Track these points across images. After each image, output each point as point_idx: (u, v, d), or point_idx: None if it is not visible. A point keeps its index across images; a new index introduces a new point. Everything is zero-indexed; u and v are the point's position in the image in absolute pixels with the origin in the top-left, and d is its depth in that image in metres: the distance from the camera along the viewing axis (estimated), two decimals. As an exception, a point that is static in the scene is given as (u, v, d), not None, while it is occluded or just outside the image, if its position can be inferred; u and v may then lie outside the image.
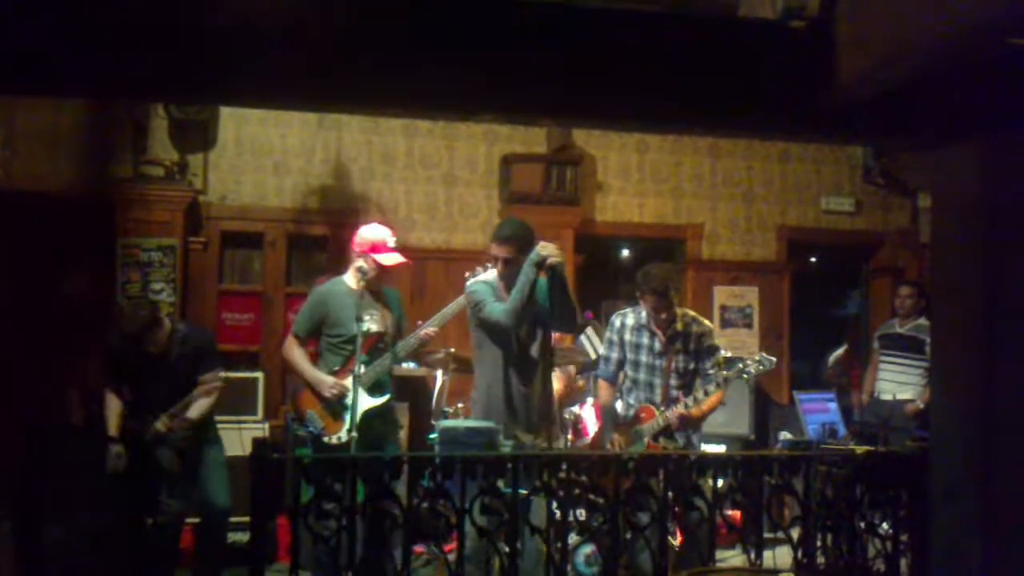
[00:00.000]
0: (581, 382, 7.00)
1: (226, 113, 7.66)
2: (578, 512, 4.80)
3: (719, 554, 4.25)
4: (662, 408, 5.22)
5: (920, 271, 8.67)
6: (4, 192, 7.08)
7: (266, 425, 6.80)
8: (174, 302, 7.19)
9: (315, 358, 5.37)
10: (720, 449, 6.68)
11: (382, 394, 5.26)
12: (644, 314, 5.36)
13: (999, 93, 3.47)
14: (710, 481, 4.09)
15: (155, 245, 7.24)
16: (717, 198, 8.78)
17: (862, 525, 4.20)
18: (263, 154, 7.83)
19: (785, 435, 7.20)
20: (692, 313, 5.47)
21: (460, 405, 6.65)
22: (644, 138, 8.54)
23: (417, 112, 5.32)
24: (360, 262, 5.24)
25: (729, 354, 7.86)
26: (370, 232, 5.35)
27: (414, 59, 3.39)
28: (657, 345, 5.32)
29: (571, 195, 8.11)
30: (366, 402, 5.10)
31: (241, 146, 7.79)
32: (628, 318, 5.42)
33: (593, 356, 6.72)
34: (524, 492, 3.92)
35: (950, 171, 3.88)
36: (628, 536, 4.12)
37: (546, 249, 4.87)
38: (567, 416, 6.39)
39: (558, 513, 4.04)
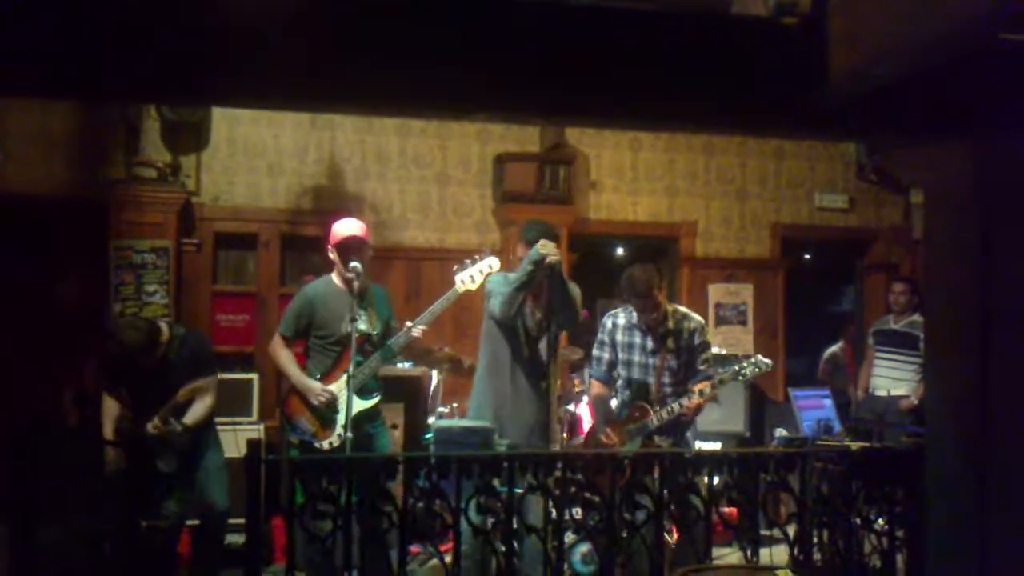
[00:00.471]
0: (577, 381, 7.00)
1: (219, 114, 7.65)
2: (574, 511, 4.80)
3: (715, 551, 4.25)
4: (656, 407, 5.21)
5: (914, 267, 8.69)
6: (-3, 194, 7.06)
7: (261, 426, 6.79)
8: (168, 304, 7.18)
9: (302, 359, 5.33)
10: (716, 446, 6.69)
11: (371, 395, 5.23)
12: (635, 314, 5.36)
13: (992, 89, 3.47)
14: (706, 479, 4.09)
15: (148, 247, 7.23)
16: (711, 196, 8.79)
17: (858, 521, 4.21)
18: (256, 155, 7.82)
19: (781, 432, 7.21)
20: (683, 309, 5.47)
21: (455, 405, 6.65)
22: (637, 136, 8.55)
23: (413, 112, 5.32)
24: (331, 255, 5.22)
25: (724, 352, 7.89)
26: (339, 227, 5.29)
27: (409, 59, 3.38)
28: (649, 344, 5.32)
29: (564, 194, 8.12)
30: (356, 404, 5.06)
31: (234, 147, 7.78)
32: (619, 318, 5.42)
33: None
34: (520, 491, 3.92)
35: (943, 167, 3.88)
36: (624, 534, 4.12)
37: (545, 248, 4.88)
38: (562, 414, 6.40)
39: (554, 512, 4.04)
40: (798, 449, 4.53)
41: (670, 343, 5.28)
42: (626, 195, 8.62)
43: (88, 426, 5.80)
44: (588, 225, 8.48)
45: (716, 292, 8.74)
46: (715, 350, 5.51)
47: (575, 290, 5.23)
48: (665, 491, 4.02)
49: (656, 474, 4.03)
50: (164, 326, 5.34)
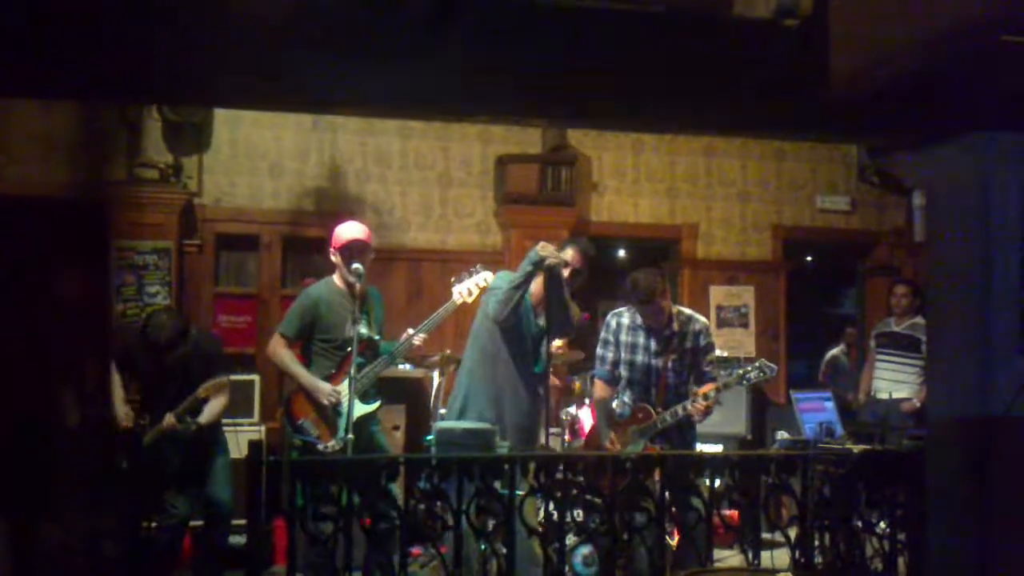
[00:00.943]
0: (577, 383, 7.00)
1: (220, 115, 7.65)
2: (575, 513, 4.80)
3: (716, 554, 4.24)
4: (659, 409, 5.20)
5: (916, 270, 8.67)
6: (-2, 195, 7.07)
7: (262, 428, 6.78)
8: (170, 305, 7.18)
9: (301, 361, 5.32)
10: (717, 449, 6.68)
11: (373, 399, 5.22)
12: (639, 315, 5.35)
13: (992, 90, 3.47)
14: (707, 481, 4.08)
15: (150, 248, 7.23)
16: (712, 197, 8.79)
17: (859, 524, 4.20)
18: (258, 156, 7.82)
19: (782, 434, 7.18)
20: (687, 311, 5.45)
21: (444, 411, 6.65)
22: (639, 138, 8.54)
23: (414, 114, 5.32)
24: (333, 257, 5.22)
25: (725, 354, 7.88)
26: (343, 230, 5.28)
27: (412, 61, 3.39)
28: (653, 345, 5.31)
29: (566, 195, 8.12)
30: (359, 408, 5.05)
31: (235, 148, 7.77)
32: (624, 317, 5.40)
33: None
34: (521, 493, 3.92)
35: (944, 169, 3.88)
36: (625, 537, 4.11)
37: (545, 250, 4.87)
38: (564, 416, 6.39)
39: (556, 514, 4.03)
40: (800, 452, 4.52)
41: (675, 345, 5.27)
42: (627, 197, 8.62)
43: (89, 425, 5.80)
44: (589, 227, 8.47)
45: (717, 294, 8.73)
46: (717, 352, 5.49)
47: (573, 308, 5.23)
48: (666, 493, 4.01)
49: (657, 476, 4.03)
50: (190, 328, 5.38)
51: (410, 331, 5.26)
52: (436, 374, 6.58)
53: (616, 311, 5.48)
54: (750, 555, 4.11)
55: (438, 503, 3.84)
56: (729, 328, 8.68)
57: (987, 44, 3.10)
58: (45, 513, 5.44)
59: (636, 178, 8.63)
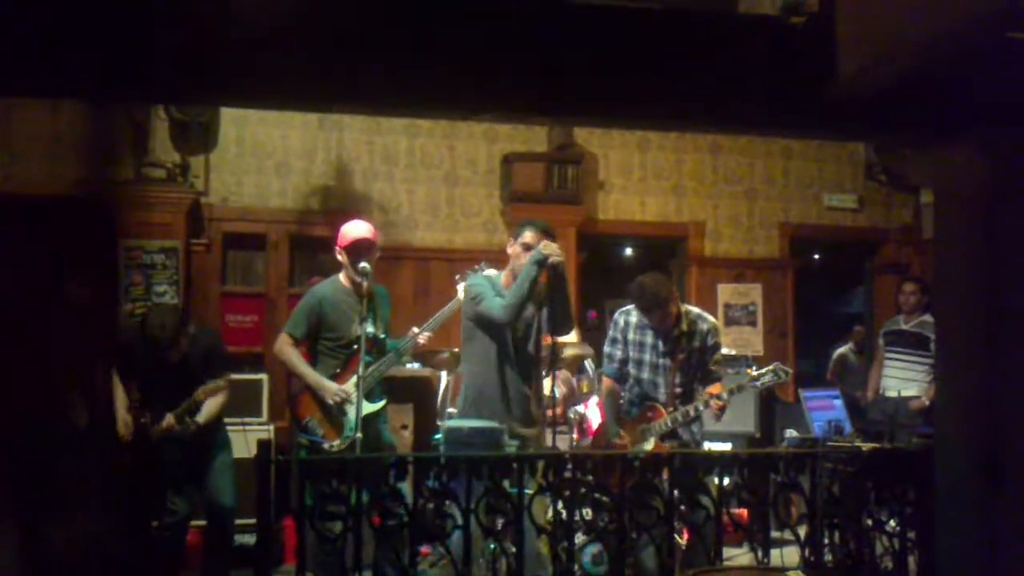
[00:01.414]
0: (585, 383, 6.99)
1: (227, 114, 7.67)
2: (584, 511, 4.80)
3: (726, 552, 4.24)
4: (670, 408, 5.20)
5: (924, 267, 8.66)
6: (4, 196, 7.08)
7: (271, 427, 6.79)
8: (166, 302, 7.18)
9: (308, 360, 5.32)
10: (726, 447, 6.68)
11: (378, 398, 5.23)
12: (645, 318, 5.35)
13: (1000, 88, 3.46)
14: (716, 479, 4.08)
15: (157, 247, 7.25)
16: (719, 196, 8.78)
17: (869, 522, 4.19)
18: (264, 155, 7.83)
19: (791, 433, 7.20)
20: (696, 310, 5.44)
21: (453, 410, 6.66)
22: (645, 136, 8.55)
23: (420, 112, 5.32)
24: (339, 256, 5.23)
25: (733, 352, 7.88)
26: (349, 228, 5.28)
27: (416, 59, 3.39)
28: (661, 344, 5.30)
29: (573, 194, 8.13)
30: (364, 407, 5.04)
31: (242, 147, 7.79)
32: (632, 316, 5.40)
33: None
34: (530, 492, 3.92)
35: (952, 167, 3.87)
36: (634, 535, 4.11)
37: (548, 248, 4.87)
38: (572, 415, 6.39)
39: (564, 513, 4.03)
40: (808, 450, 4.51)
41: (683, 344, 5.27)
42: (634, 195, 8.62)
43: (98, 426, 5.81)
44: (596, 225, 8.48)
45: (725, 292, 8.73)
46: (724, 351, 5.49)
47: (568, 293, 5.22)
48: (675, 492, 4.01)
49: (666, 475, 4.02)
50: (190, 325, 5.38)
51: (415, 329, 5.26)
52: (444, 373, 6.59)
53: (624, 309, 5.48)
54: (759, 553, 4.11)
55: (447, 502, 3.84)
56: (737, 326, 8.68)
57: (993, 41, 3.09)
58: (53, 513, 5.46)
59: (643, 176, 8.62)
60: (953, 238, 3.94)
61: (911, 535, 4.20)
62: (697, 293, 8.55)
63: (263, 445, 3.60)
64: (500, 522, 3.96)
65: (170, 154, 7.54)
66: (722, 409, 5.15)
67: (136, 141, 7.48)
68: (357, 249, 5.15)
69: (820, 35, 3.48)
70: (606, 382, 5.52)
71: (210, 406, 5.30)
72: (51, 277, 7.01)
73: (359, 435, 4.84)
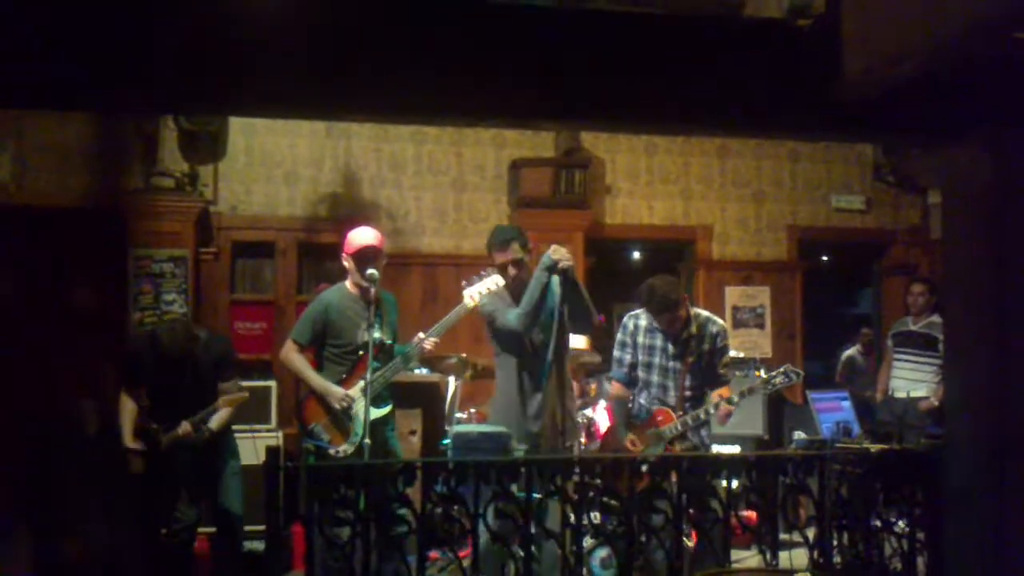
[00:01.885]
0: (592, 386, 6.99)
1: (235, 124, 7.70)
2: (593, 515, 4.79)
3: (734, 555, 4.23)
4: (679, 412, 5.20)
5: (932, 268, 8.65)
6: (15, 206, 7.12)
7: (280, 434, 6.81)
8: (186, 312, 7.21)
9: (314, 367, 5.33)
10: (734, 449, 6.67)
11: (385, 403, 5.24)
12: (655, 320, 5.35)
13: (1006, 88, 3.46)
14: (724, 482, 4.08)
15: (167, 256, 7.28)
16: (726, 198, 8.78)
17: (878, 524, 4.18)
18: (273, 164, 7.86)
19: (799, 435, 7.17)
20: (705, 313, 5.43)
21: (473, 410, 6.65)
22: (652, 140, 8.55)
23: (427, 119, 5.34)
24: (346, 263, 5.24)
25: (741, 355, 7.87)
26: (355, 235, 5.27)
27: (423, 66, 3.40)
28: (671, 347, 5.30)
29: (580, 198, 8.13)
30: (372, 412, 5.05)
31: (251, 156, 7.82)
32: (641, 319, 5.39)
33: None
34: (538, 496, 3.92)
35: (959, 168, 3.86)
36: (643, 538, 4.11)
37: (557, 252, 4.88)
38: (580, 419, 6.38)
39: (572, 516, 4.03)
40: (817, 452, 4.50)
41: (692, 347, 5.26)
42: (642, 199, 8.62)
43: (108, 434, 5.84)
44: (604, 229, 8.48)
45: (733, 295, 8.72)
46: (732, 353, 5.48)
47: (584, 292, 5.22)
48: (683, 495, 4.01)
49: (674, 478, 4.02)
50: (198, 332, 5.40)
51: (421, 335, 5.27)
52: (452, 379, 6.59)
53: (633, 313, 5.48)
54: (768, 556, 4.10)
55: (455, 507, 3.85)
56: (745, 329, 8.67)
57: (1000, 42, 3.09)
58: (62, 521, 5.48)
59: (650, 180, 8.63)
60: (961, 238, 3.93)
61: (920, 536, 4.19)
62: (705, 296, 8.54)
63: (272, 452, 3.61)
64: (510, 527, 3.96)
65: (179, 163, 7.57)
66: (729, 414, 5.15)
67: (145, 151, 7.52)
68: (364, 256, 5.16)
69: (826, 37, 3.48)
70: (615, 386, 5.52)
71: (222, 413, 5.32)
72: (61, 286, 7.05)
73: (367, 441, 4.85)
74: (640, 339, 5.38)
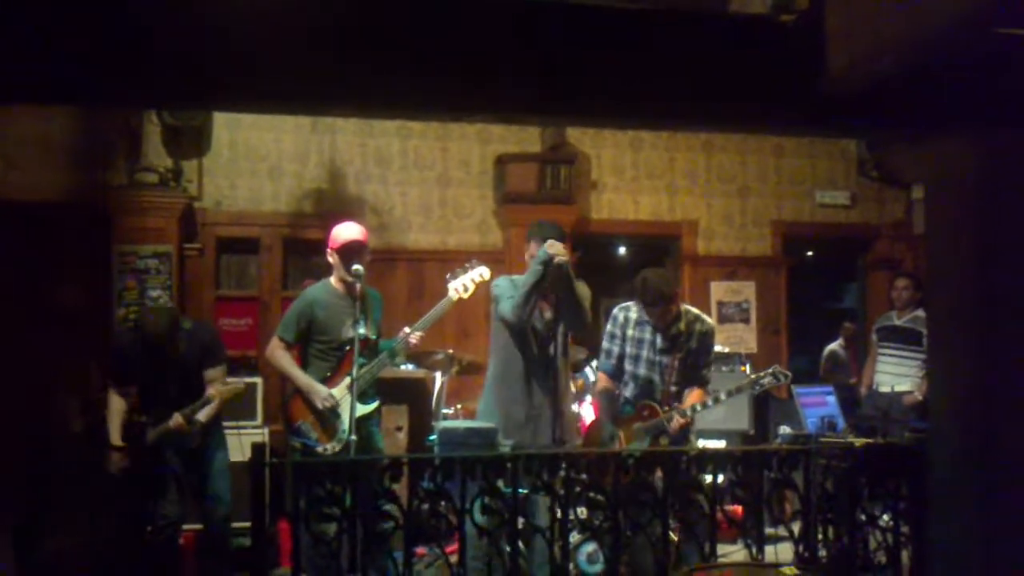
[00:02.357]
0: (579, 381, 7.00)
1: (220, 119, 7.66)
2: (579, 510, 4.80)
3: (720, 549, 4.24)
4: (665, 408, 5.21)
5: (916, 263, 8.69)
6: (-2, 202, 7.08)
7: (265, 430, 6.79)
8: (172, 306, 7.18)
9: (299, 364, 5.32)
10: (720, 444, 6.69)
11: (371, 399, 5.23)
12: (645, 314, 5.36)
13: (990, 84, 3.47)
14: (710, 477, 4.09)
15: (151, 252, 7.24)
16: (712, 194, 8.80)
17: (863, 518, 4.20)
18: (257, 159, 7.83)
19: (784, 429, 7.21)
20: (695, 311, 5.44)
21: (459, 406, 6.65)
22: (637, 135, 8.56)
23: (412, 114, 5.32)
24: (331, 258, 5.23)
25: (727, 350, 7.89)
26: (340, 230, 5.27)
27: (408, 61, 3.39)
28: (659, 342, 5.30)
29: (566, 194, 8.13)
30: (358, 408, 5.04)
31: (235, 151, 7.79)
32: (631, 312, 5.40)
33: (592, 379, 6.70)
34: (524, 491, 3.92)
35: (943, 163, 3.88)
36: (629, 533, 4.11)
37: (553, 248, 4.89)
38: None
39: (559, 512, 4.04)
40: (802, 446, 4.51)
41: (681, 343, 5.27)
42: (627, 194, 8.63)
43: (94, 432, 5.81)
44: (590, 225, 8.49)
45: (718, 290, 8.74)
46: (718, 348, 5.49)
47: (584, 290, 5.22)
48: (669, 490, 4.02)
49: (660, 473, 4.03)
50: (184, 322, 5.38)
51: (406, 329, 5.26)
52: (438, 374, 6.59)
53: (623, 305, 5.48)
54: (754, 550, 4.12)
55: (442, 503, 3.84)
56: (730, 324, 8.69)
57: (984, 37, 3.10)
58: (46, 519, 5.46)
59: (635, 175, 8.64)
60: (944, 233, 3.95)
61: (904, 530, 4.21)
62: (690, 291, 8.56)
63: (257, 448, 3.60)
64: (496, 522, 3.96)
65: (163, 159, 7.53)
66: (682, 427, 5.16)
67: (129, 146, 7.48)
68: (348, 251, 5.15)
69: (810, 32, 3.48)
70: (601, 378, 5.52)
71: (212, 406, 5.29)
72: (44, 283, 7.01)
73: (353, 438, 4.85)
74: (630, 331, 5.38)
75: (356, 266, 5.09)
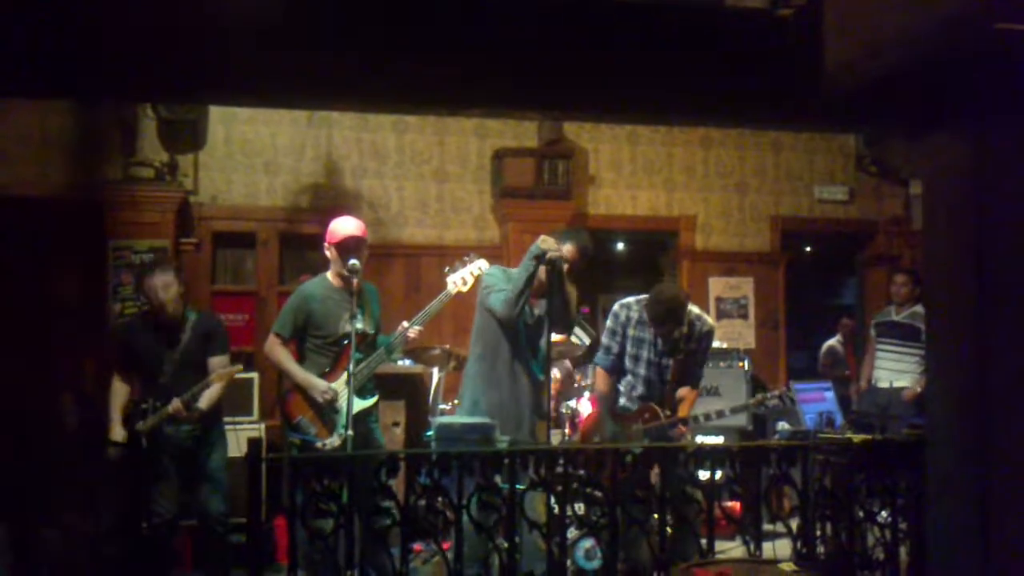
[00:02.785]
0: (579, 376, 6.99)
1: (215, 113, 7.64)
2: (576, 506, 4.80)
3: (718, 545, 4.24)
4: (667, 412, 5.19)
5: (915, 259, 8.67)
6: (-7, 197, 7.05)
7: (262, 426, 6.77)
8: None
9: (297, 359, 5.30)
10: (718, 440, 6.68)
11: (370, 394, 5.21)
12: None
13: (988, 80, 3.46)
14: (708, 473, 4.08)
15: (146, 247, 7.22)
16: (710, 189, 8.78)
17: (861, 514, 4.20)
18: (253, 153, 7.81)
19: (783, 425, 7.20)
20: (696, 310, 5.42)
21: (456, 402, 6.64)
22: (635, 130, 8.53)
23: (409, 108, 5.31)
24: (328, 253, 5.21)
25: (724, 345, 7.88)
26: (338, 225, 5.25)
27: (404, 54, 3.37)
28: (660, 343, 5.29)
29: (563, 189, 8.11)
30: (356, 404, 5.02)
31: (231, 146, 7.76)
32: (633, 311, 5.38)
33: (582, 342, 6.67)
34: (521, 487, 3.91)
35: (940, 158, 3.86)
36: (627, 529, 4.11)
37: (546, 243, 4.87)
38: (564, 410, 6.38)
39: (556, 508, 4.03)
40: (800, 442, 4.51)
41: (681, 345, 5.25)
42: (625, 189, 8.60)
43: (87, 427, 5.79)
44: (587, 220, 8.45)
45: (716, 285, 8.73)
46: (716, 344, 5.48)
47: (571, 292, 5.20)
48: (667, 486, 4.01)
49: (658, 469, 4.02)
50: (188, 312, 5.38)
51: (404, 324, 5.24)
52: (436, 370, 6.58)
53: (624, 303, 5.46)
54: (752, 546, 4.11)
55: (439, 498, 3.83)
56: (728, 319, 8.68)
57: (982, 33, 3.09)
58: (42, 515, 5.44)
59: (633, 170, 8.62)
60: (942, 228, 3.93)
61: (902, 526, 4.20)
62: (689, 287, 8.54)
63: (254, 444, 3.59)
64: (493, 518, 3.95)
65: (158, 153, 7.50)
66: (681, 435, 5.18)
67: (124, 141, 7.45)
68: (347, 246, 5.13)
69: (808, 27, 3.47)
70: (599, 374, 5.51)
71: (211, 392, 5.27)
72: (39, 278, 6.99)
73: (350, 432, 4.83)
74: (631, 331, 5.37)
75: (352, 261, 5.07)
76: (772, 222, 8.92)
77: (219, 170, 7.74)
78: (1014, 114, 3.50)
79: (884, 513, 4.26)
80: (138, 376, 5.37)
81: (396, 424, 6.83)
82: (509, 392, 5.08)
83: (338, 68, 3.34)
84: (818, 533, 4.18)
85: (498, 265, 5.28)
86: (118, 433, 5.27)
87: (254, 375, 7.01)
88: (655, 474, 4.06)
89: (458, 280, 5.31)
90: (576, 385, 6.84)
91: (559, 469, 3.95)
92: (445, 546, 4.21)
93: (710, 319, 5.44)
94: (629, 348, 5.36)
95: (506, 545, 3.86)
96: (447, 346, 6.50)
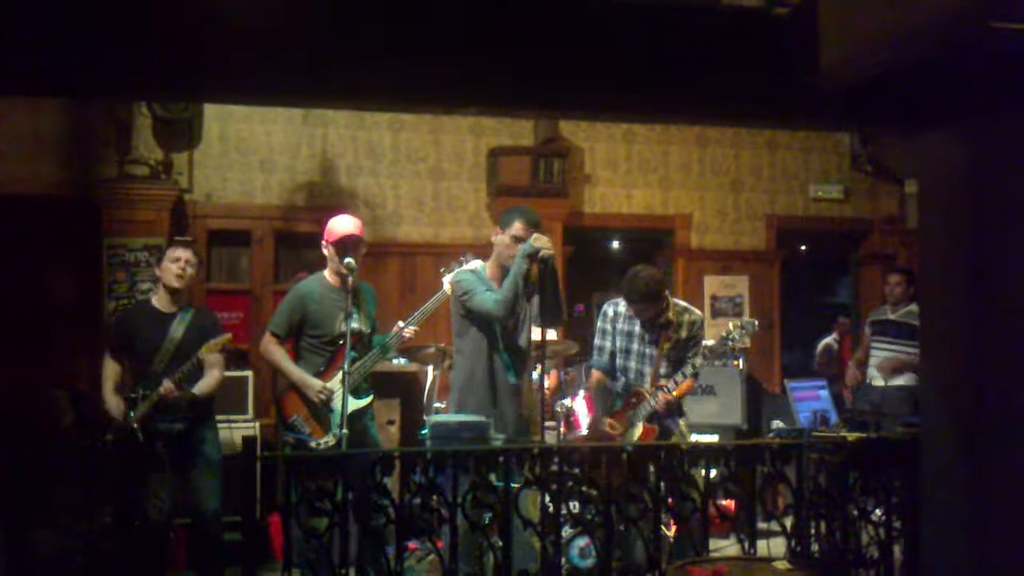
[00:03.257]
0: (571, 374, 6.99)
1: (210, 111, 7.63)
2: (571, 505, 4.80)
3: (713, 544, 4.25)
4: (653, 391, 5.21)
5: (910, 258, 8.69)
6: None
7: (256, 424, 6.77)
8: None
9: (293, 358, 5.29)
10: (713, 439, 6.68)
11: (365, 394, 5.20)
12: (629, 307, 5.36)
13: (982, 78, 3.46)
14: (703, 471, 4.08)
15: (141, 245, 7.21)
16: (705, 187, 8.79)
17: (855, 512, 4.20)
18: (249, 151, 7.80)
19: (777, 424, 7.21)
20: (683, 303, 5.46)
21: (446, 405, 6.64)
22: (631, 128, 8.54)
23: (405, 106, 5.31)
24: (326, 251, 5.20)
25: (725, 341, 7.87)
26: (336, 223, 5.24)
27: (401, 53, 3.37)
28: (648, 334, 5.31)
29: (559, 187, 8.12)
30: (351, 403, 5.01)
31: (226, 144, 7.75)
32: (620, 306, 5.41)
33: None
34: (516, 485, 3.91)
35: (935, 156, 3.87)
36: (622, 528, 4.11)
37: (539, 241, 4.86)
38: (559, 409, 6.38)
39: (551, 506, 4.03)
40: (795, 441, 4.51)
41: (668, 334, 5.28)
42: (620, 188, 8.61)
43: (82, 425, 5.78)
44: (583, 218, 8.47)
45: (712, 284, 8.74)
46: (710, 342, 5.48)
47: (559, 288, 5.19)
48: (662, 484, 4.01)
49: (653, 467, 4.02)
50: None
51: (400, 323, 5.24)
52: (431, 368, 6.57)
53: (612, 300, 5.49)
54: (746, 544, 4.11)
55: (434, 497, 3.83)
56: (724, 318, 8.68)
57: (977, 31, 3.09)
58: (36, 513, 5.42)
59: (629, 169, 8.62)
60: (936, 227, 3.94)
61: (896, 524, 4.21)
62: (684, 285, 8.56)
63: (249, 442, 3.59)
64: (487, 516, 3.95)
65: (153, 151, 7.50)
66: (667, 403, 5.16)
67: (119, 139, 7.44)
68: (344, 245, 5.13)
69: (803, 26, 3.47)
70: (595, 375, 5.52)
71: (207, 379, 5.26)
72: (34, 276, 6.97)
73: (345, 431, 4.82)
74: (619, 325, 5.40)
75: (348, 259, 5.06)
76: (767, 221, 8.93)
77: (214, 168, 7.73)
78: (1009, 112, 3.51)
79: (878, 511, 4.26)
80: (131, 365, 5.35)
81: (391, 422, 6.83)
82: (491, 394, 5.04)
83: (337, 67, 3.34)
84: (812, 531, 4.18)
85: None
86: (113, 406, 5.25)
87: (248, 373, 7.01)
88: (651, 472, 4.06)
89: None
90: (572, 383, 6.84)
91: (553, 467, 3.95)
92: (440, 544, 4.22)
93: (697, 311, 5.47)
94: (619, 343, 5.38)
95: (500, 543, 3.86)
96: (442, 344, 6.50)
